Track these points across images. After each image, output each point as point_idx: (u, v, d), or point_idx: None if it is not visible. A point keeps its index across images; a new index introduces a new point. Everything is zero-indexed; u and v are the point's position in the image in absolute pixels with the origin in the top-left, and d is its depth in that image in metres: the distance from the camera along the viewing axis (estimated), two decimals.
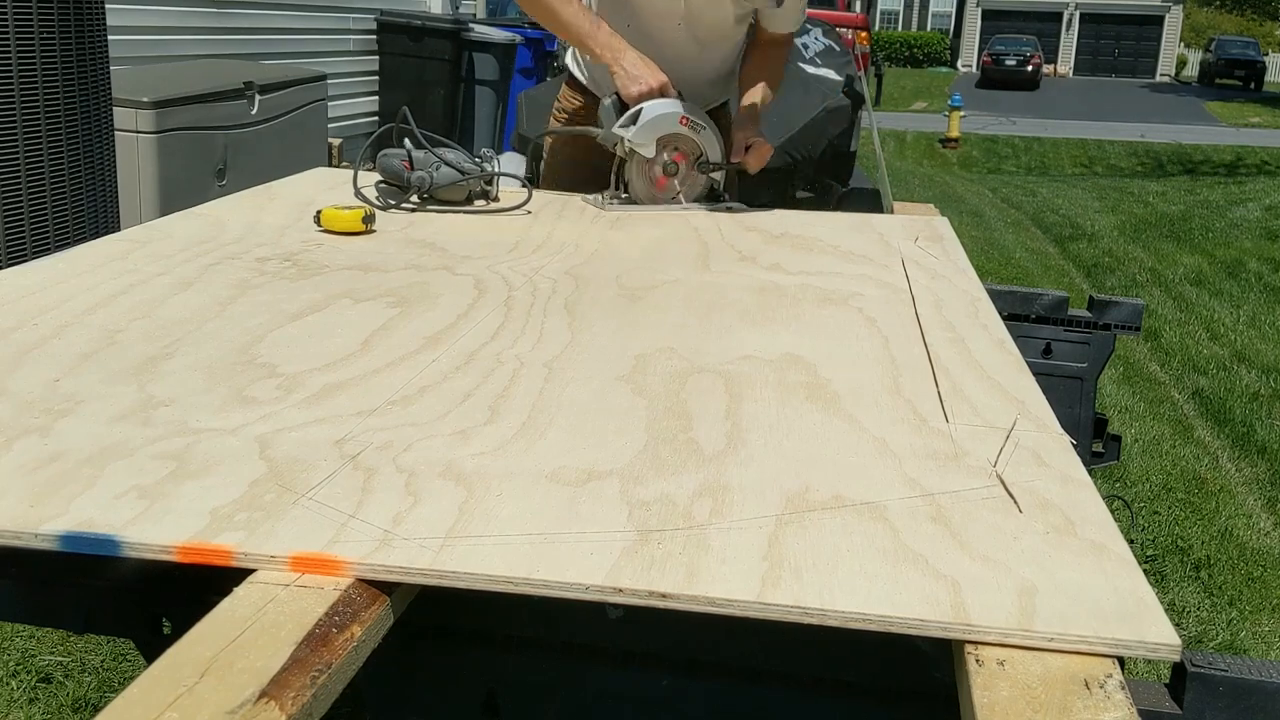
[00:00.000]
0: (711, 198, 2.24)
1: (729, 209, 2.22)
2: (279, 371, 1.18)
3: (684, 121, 2.16)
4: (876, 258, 1.84)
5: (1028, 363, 1.33)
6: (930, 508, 0.93)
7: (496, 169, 2.15)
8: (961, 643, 0.77)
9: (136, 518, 0.85)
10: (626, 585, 0.79)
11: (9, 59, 2.54)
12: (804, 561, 0.83)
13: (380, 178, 2.13)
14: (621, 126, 2.12)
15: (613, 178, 2.19)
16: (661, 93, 2.13)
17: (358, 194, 2.09)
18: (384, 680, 1.01)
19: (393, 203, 2.07)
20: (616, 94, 2.15)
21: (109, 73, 2.93)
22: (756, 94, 2.31)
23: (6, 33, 2.53)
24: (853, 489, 0.96)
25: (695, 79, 2.28)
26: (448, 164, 2.09)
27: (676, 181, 2.20)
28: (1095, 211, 9.76)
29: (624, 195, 2.19)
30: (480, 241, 1.85)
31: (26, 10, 2.56)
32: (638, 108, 2.11)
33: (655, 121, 2.12)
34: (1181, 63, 39.46)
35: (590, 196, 2.22)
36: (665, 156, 2.18)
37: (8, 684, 2.23)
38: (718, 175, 2.22)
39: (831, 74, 4.10)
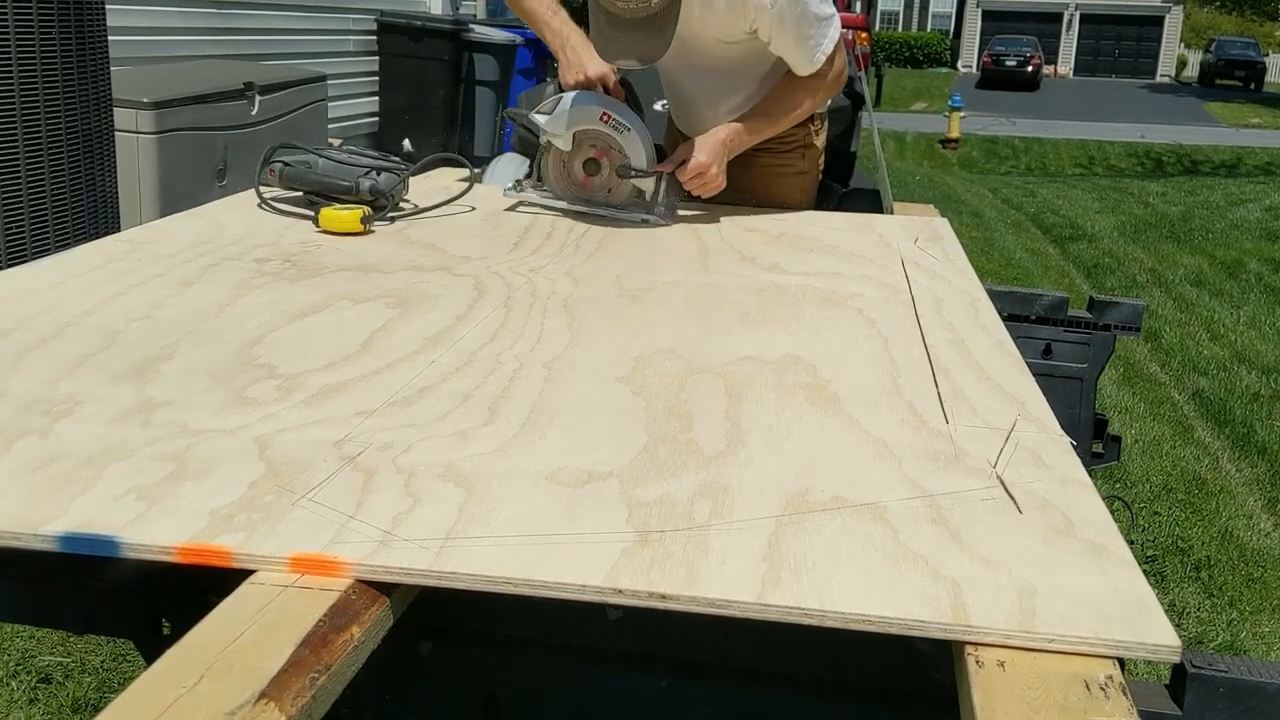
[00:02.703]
0: (639, 206, 2.03)
1: (644, 221, 2.00)
2: (278, 372, 1.18)
3: (605, 119, 1.97)
4: (876, 258, 1.84)
5: (1028, 363, 1.33)
6: (930, 509, 0.93)
7: (409, 168, 1.98)
8: (961, 644, 0.77)
9: (136, 518, 0.85)
10: (626, 586, 0.79)
11: (9, 60, 2.54)
12: (804, 562, 0.83)
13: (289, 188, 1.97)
14: (540, 113, 1.99)
15: (534, 165, 2.06)
16: (602, 85, 1.99)
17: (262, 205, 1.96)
18: (384, 681, 1.01)
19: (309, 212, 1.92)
20: (558, 79, 2.05)
21: (109, 73, 2.93)
22: (733, 125, 2.06)
23: (7, 33, 2.53)
24: (853, 490, 0.96)
25: (700, 109, 2.21)
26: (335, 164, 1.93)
27: (599, 181, 2.04)
28: (1095, 212, 9.75)
29: (540, 186, 2.05)
30: (480, 242, 1.84)
31: (26, 11, 2.56)
32: (560, 95, 2.00)
33: (573, 112, 1.96)
34: (1181, 63, 39.43)
35: (511, 183, 2.09)
36: (587, 153, 2.01)
37: (8, 684, 2.23)
38: (642, 183, 2.00)
39: None
